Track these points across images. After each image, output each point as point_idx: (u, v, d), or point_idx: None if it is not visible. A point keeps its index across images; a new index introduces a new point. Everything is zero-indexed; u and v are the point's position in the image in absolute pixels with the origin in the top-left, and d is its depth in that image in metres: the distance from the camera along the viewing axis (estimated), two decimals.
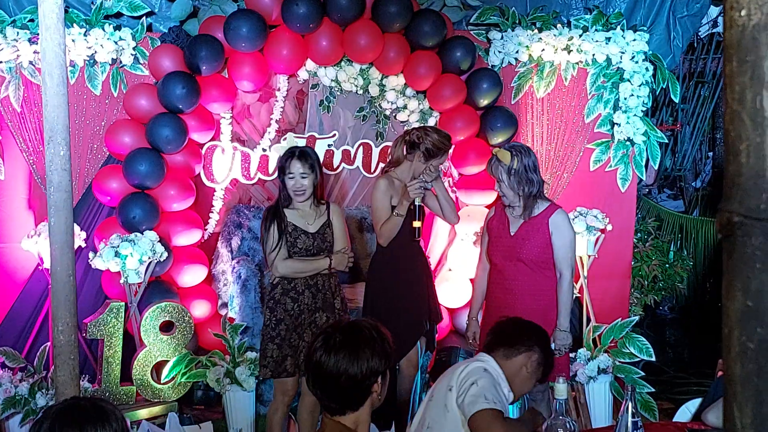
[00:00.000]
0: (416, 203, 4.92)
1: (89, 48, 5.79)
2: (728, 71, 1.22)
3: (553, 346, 4.69)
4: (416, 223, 4.95)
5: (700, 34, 9.11)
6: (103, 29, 5.81)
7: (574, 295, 5.91)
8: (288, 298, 4.83)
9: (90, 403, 2.60)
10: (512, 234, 4.80)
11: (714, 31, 9.32)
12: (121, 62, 5.92)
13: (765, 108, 1.18)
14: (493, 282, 4.91)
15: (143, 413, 5.43)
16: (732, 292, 1.23)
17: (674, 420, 4.06)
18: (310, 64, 6.11)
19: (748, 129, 1.19)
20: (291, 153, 4.81)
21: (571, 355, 5.27)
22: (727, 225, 1.22)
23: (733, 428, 1.25)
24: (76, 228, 5.59)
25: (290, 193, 4.77)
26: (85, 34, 5.78)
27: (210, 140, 6.13)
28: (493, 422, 3.17)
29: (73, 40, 5.72)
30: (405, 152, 5.10)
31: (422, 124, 6.18)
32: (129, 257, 5.40)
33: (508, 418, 3.27)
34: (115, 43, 5.84)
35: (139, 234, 5.53)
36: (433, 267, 5.94)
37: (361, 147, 6.52)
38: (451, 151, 6.11)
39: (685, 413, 4.06)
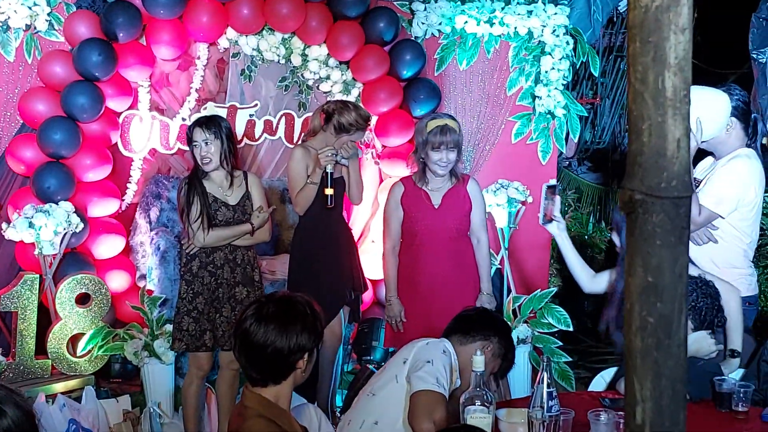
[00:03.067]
0: (327, 170, 4.92)
1: (2, 13, 5.61)
2: (631, 51, 1.23)
3: None
4: (328, 191, 4.96)
5: (619, 8, 9.20)
6: None
7: (495, 267, 5.99)
8: (206, 272, 4.80)
9: None
10: (437, 207, 4.88)
11: None
12: (35, 28, 5.75)
13: (667, 88, 1.20)
14: (416, 255, 4.96)
15: (59, 387, 5.34)
16: (634, 267, 1.26)
17: (589, 389, 4.14)
18: (230, 33, 6.02)
19: (650, 109, 1.21)
20: (195, 121, 4.82)
21: None
22: (629, 202, 1.24)
23: (633, 400, 1.28)
24: None
25: (198, 162, 4.76)
26: None
27: (128, 109, 6.01)
28: (437, 406, 3.18)
29: None
30: (322, 123, 5.11)
31: (346, 97, 6.16)
32: (43, 228, 5.29)
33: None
34: (29, 8, 5.65)
35: (53, 204, 5.41)
36: (356, 239, 5.94)
37: (284, 117, 6.46)
38: (373, 125, 6.14)
39: (600, 382, 4.14)
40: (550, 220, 4.46)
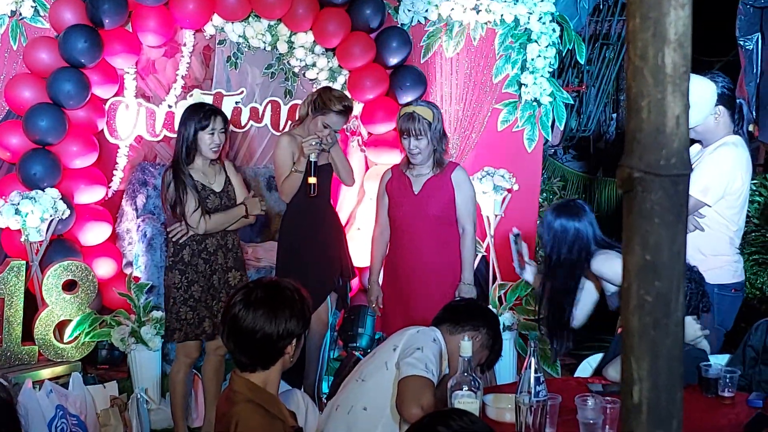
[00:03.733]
0: (311, 159, 4.92)
1: None
2: (631, 27, 1.24)
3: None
4: (311, 179, 4.96)
5: None
6: None
7: (481, 254, 6.00)
8: (200, 259, 4.80)
9: None
10: (416, 193, 4.86)
11: None
12: (20, 14, 5.70)
13: (666, 65, 1.20)
14: (398, 242, 4.96)
15: (46, 373, 5.32)
16: (631, 246, 1.26)
17: (575, 375, 4.15)
18: (216, 19, 5.99)
19: (650, 85, 1.21)
20: (213, 110, 4.81)
21: None
22: (628, 180, 1.24)
23: (631, 380, 1.28)
24: None
25: (206, 149, 4.74)
26: None
27: (114, 96, 5.97)
28: (426, 391, 3.20)
29: None
30: (308, 111, 5.11)
31: (332, 84, 6.15)
32: (30, 215, 5.26)
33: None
34: None
35: (40, 191, 5.39)
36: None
37: (270, 105, 6.44)
38: (358, 112, 6.14)
39: (586, 368, 4.16)
40: (524, 266, 4.55)
